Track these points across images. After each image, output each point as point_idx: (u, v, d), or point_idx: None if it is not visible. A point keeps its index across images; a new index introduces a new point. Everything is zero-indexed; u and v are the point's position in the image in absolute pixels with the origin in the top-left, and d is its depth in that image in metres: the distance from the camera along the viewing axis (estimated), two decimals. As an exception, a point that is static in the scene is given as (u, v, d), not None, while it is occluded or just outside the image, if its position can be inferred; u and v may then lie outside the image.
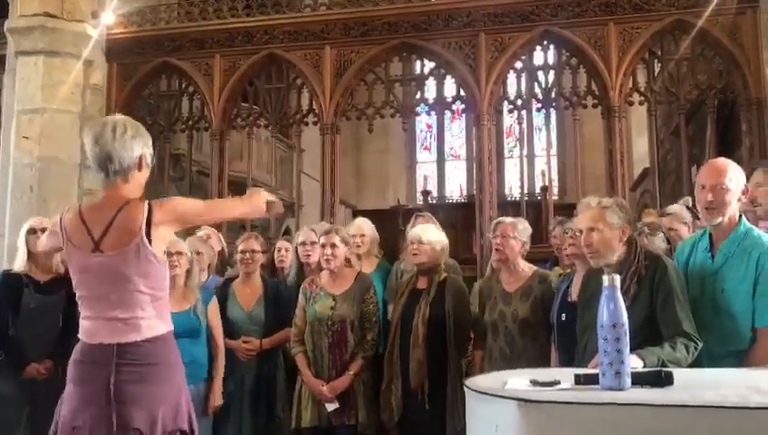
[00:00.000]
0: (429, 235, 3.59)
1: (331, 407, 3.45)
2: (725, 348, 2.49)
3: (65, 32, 5.50)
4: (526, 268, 3.51)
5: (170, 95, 6.09)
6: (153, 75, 6.05)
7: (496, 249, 3.49)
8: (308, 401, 3.53)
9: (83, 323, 2.16)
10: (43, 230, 3.70)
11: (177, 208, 2.22)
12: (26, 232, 3.70)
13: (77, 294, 2.19)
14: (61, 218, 2.22)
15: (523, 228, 3.55)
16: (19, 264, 3.69)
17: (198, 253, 3.81)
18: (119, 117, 2.24)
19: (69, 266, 2.22)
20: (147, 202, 2.15)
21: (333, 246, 3.58)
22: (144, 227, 2.09)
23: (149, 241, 2.10)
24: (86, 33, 5.58)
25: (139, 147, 2.18)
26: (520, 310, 3.34)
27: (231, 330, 3.78)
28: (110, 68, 5.96)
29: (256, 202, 2.38)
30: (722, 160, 2.63)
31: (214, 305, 3.64)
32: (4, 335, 3.54)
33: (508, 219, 3.62)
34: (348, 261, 3.69)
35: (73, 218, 2.17)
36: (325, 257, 3.60)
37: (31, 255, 3.68)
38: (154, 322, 2.14)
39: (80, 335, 2.16)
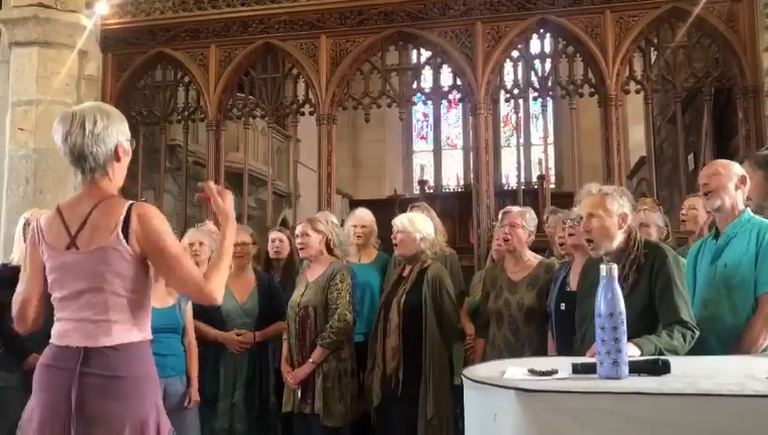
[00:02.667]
0: (408, 224, 3.56)
1: (299, 393, 3.49)
2: (733, 323, 2.60)
3: (59, 22, 5.45)
4: (532, 258, 3.52)
5: (166, 86, 6.05)
6: (148, 66, 6.01)
7: (505, 239, 3.49)
8: (287, 386, 3.59)
9: (55, 326, 1.99)
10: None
11: (156, 230, 1.95)
12: (23, 225, 3.69)
13: (52, 297, 2.02)
14: (37, 222, 2.06)
15: (530, 218, 3.56)
16: (17, 257, 3.68)
17: (201, 243, 3.78)
18: (87, 106, 2.04)
19: (45, 267, 2.02)
20: (129, 202, 1.98)
21: (305, 234, 3.62)
22: (121, 224, 1.92)
23: (126, 239, 1.92)
24: (80, 23, 5.54)
25: (113, 137, 1.99)
26: (526, 298, 3.35)
27: (224, 322, 3.78)
28: (105, 58, 5.92)
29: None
30: (714, 161, 3.02)
31: (189, 306, 3.61)
32: (3, 328, 3.54)
33: (516, 208, 3.62)
34: (330, 251, 3.69)
35: (51, 216, 2.03)
36: (299, 246, 3.63)
37: (28, 247, 3.66)
38: (128, 327, 1.95)
39: (51, 339, 2.00)
